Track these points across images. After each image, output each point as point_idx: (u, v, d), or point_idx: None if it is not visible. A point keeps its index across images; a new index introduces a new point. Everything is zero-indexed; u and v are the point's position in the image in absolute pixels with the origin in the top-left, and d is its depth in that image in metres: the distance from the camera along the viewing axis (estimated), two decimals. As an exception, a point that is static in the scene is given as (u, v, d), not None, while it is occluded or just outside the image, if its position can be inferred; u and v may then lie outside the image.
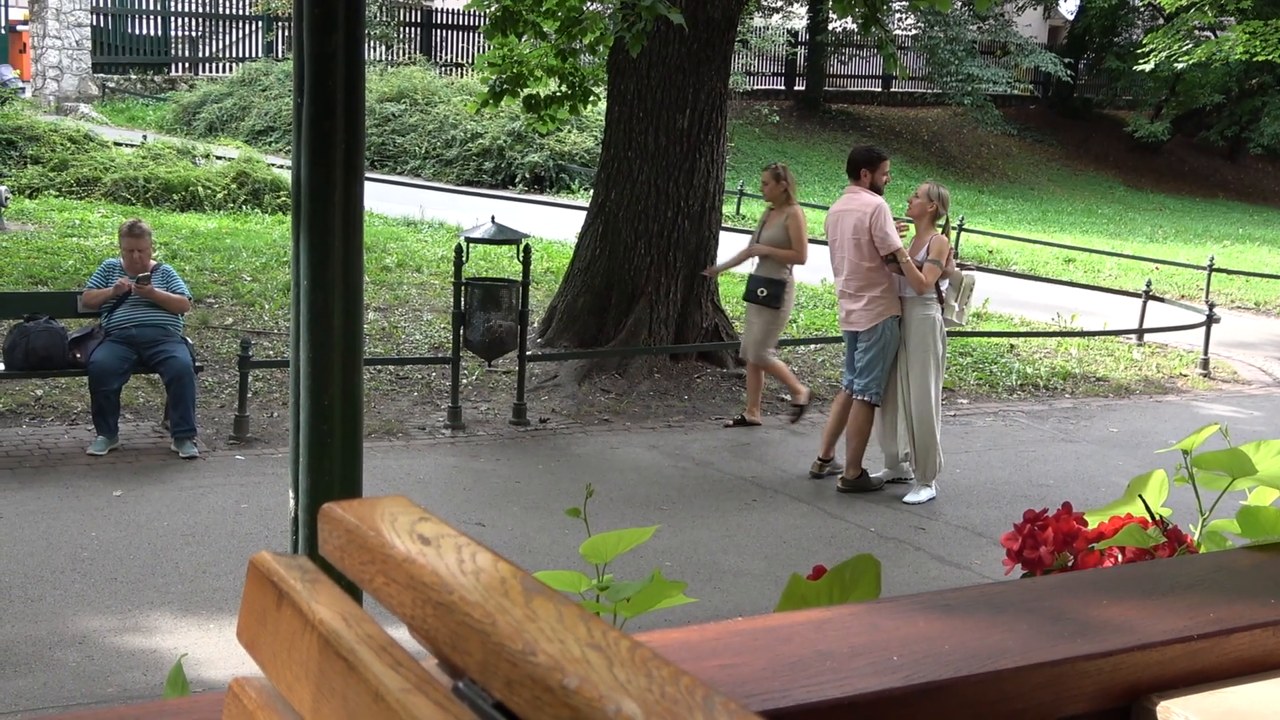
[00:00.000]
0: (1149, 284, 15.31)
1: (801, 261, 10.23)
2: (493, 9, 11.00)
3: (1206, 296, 16.39)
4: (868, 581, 1.34)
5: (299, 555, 0.89)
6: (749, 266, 10.58)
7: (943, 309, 8.71)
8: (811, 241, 10.50)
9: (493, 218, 10.42)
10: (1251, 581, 1.37)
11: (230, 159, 18.79)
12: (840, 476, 9.18)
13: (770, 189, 10.16)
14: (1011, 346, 13.80)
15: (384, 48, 28.51)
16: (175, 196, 17.12)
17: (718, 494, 8.83)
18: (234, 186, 17.40)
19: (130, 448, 8.96)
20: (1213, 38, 25.26)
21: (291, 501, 2.46)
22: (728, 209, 19.09)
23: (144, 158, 18.01)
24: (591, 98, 12.29)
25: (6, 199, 15.21)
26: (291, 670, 0.82)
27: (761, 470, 9.38)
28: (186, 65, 28.22)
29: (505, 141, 22.34)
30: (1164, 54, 23.86)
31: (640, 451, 9.67)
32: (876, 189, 9.01)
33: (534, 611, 0.72)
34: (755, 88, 30.34)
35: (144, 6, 27.96)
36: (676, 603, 1.58)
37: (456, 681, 0.76)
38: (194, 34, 28.45)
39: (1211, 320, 13.89)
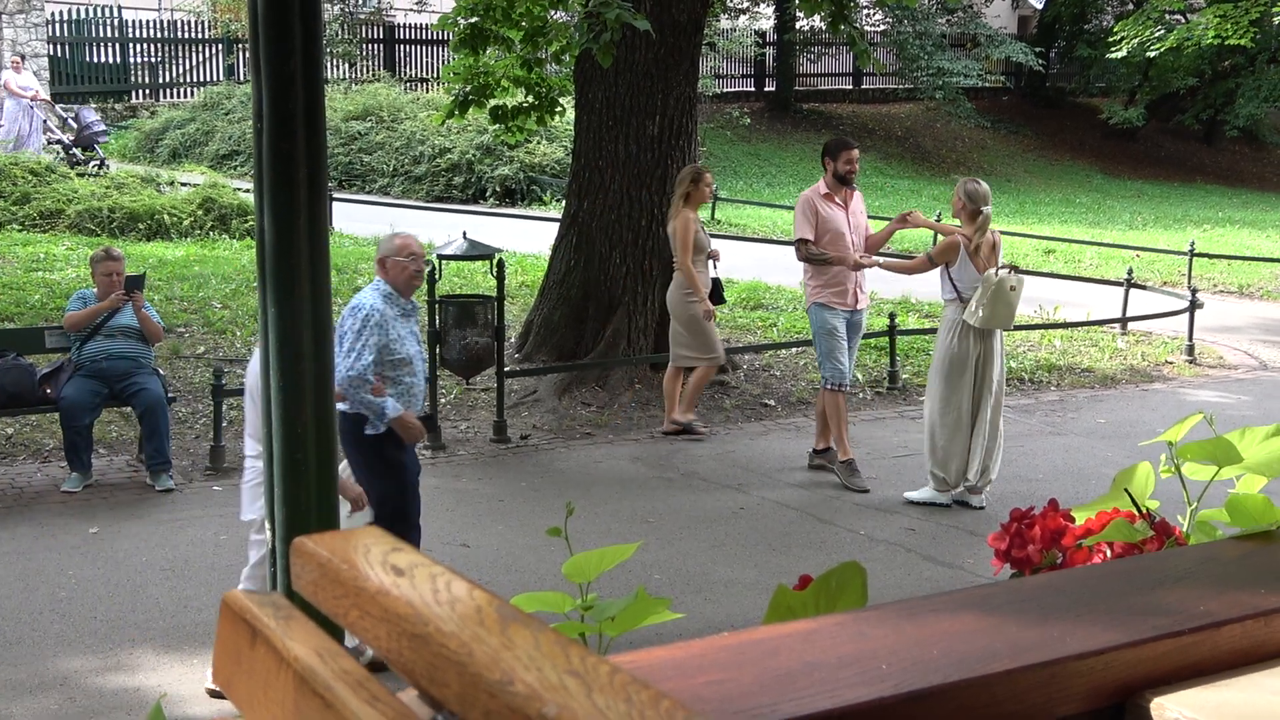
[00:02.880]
0: (1130, 272, 15.37)
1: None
2: (461, 27, 11.01)
3: (1189, 282, 16.47)
4: (854, 589, 1.33)
5: (272, 592, 0.89)
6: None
7: (964, 311, 8.76)
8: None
9: (464, 233, 10.41)
10: (1241, 571, 1.38)
11: (195, 185, 18.73)
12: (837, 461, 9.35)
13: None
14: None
15: (347, 65, 28.48)
16: (141, 225, 17.06)
17: (704, 504, 8.83)
18: (200, 213, 17.34)
19: (105, 483, 8.92)
20: (1184, 22, 25.41)
21: (268, 533, 2.45)
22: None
23: (107, 187, 17.94)
24: (558, 108, 12.30)
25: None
26: (269, 710, 0.82)
27: (748, 478, 9.38)
28: (147, 92, 28.14)
29: (474, 155, 22.33)
30: (1135, 41, 23.98)
31: (624, 464, 9.67)
32: (840, 178, 9.30)
33: (510, 640, 0.72)
34: (725, 90, 30.40)
35: (101, 34, 27.88)
36: (664, 618, 1.57)
37: (436, 714, 0.76)
38: (153, 60, 28.36)
39: (1195, 306, 13.95)
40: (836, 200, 9.31)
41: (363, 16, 29.75)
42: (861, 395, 11.75)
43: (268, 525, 2.47)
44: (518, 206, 21.84)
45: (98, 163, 20.57)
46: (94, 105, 24.61)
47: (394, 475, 6.54)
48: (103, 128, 22.46)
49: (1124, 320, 14.66)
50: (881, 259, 9.34)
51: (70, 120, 22.12)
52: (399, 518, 6.50)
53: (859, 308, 9.39)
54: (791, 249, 10.00)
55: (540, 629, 0.74)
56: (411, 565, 0.82)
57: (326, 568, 0.84)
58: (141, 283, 9.18)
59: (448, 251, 10.28)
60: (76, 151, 20.82)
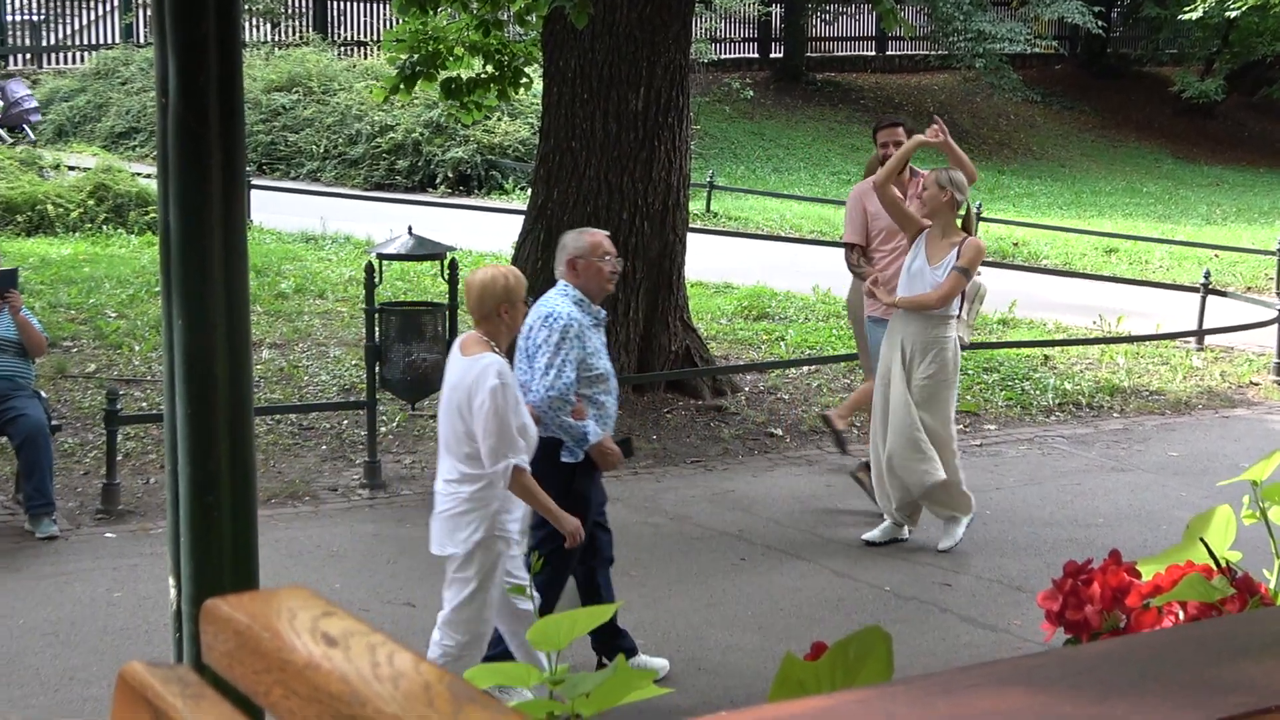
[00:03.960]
0: (1208, 275, 15.43)
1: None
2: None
3: (1278, 287, 16.53)
4: (877, 659, 1.34)
5: (179, 665, 0.89)
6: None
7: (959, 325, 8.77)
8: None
9: (410, 228, 10.42)
10: (1339, 638, 1.38)
11: (86, 169, 18.70)
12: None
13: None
14: (1046, 358, 13.88)
15: (269, 26, 28.49)
16: (19, 218, 17.01)
17: (698, 553, 8.82)
18: (91, 203, 17.31)
19: (-25, 529, 8.89)
20: (1271, -25, 25.53)
21: (173, 591, 2.45)
22: (696, 206, 19.14)
23: (-22, 172, 17.91)
24: (523, 79, 12.31)
25: None
26: (173, 807, 0.82)
27: (750, 523, 9.38)
28: (28, 56, 28.08)
29: (422, 135, 22.34)
30: (1213, -1, 24.10)
31: (601, 506, 9.66)
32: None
33: (465, 723, 0.72)
34: (723, 57, 30.46)
35: (-28, -14, 27.82)
36: (650, 694, 1.57)
37: (375, 812, 0.76)
38: (35, 17, 28.29)
39: (1285, 316, 14.02)
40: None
41: (288, -33, 29.78)
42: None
43: (171, 583, 2.46)
44: (474, 196, 21.84)
45: (29, 144, 20.39)
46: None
47: (583, 508, 6.81)
48: (34, 104, 22.22)
49: (1200, 333, 14.70)
50: (900, 296, 8.93)
51: None
52: (588, 553, 6.85)
53: None
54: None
55: (500, 711, 0.74)
56: (346, 633, 0.83)
57: (245, 636, 0.84)
58: (15, 278, 9.15)
59: (390, 250, 10.28)
60: (2, 133, 20.61)
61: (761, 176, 25.47)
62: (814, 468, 10.56)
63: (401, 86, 11.89)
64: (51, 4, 28.58)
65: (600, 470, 6.93)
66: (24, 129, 21.14)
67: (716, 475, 10.40)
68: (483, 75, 12.18)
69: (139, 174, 18.64)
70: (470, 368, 6.19)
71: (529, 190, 13.37)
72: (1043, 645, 1.68)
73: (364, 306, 10.20)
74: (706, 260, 16.00)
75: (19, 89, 21.84)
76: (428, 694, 0.76)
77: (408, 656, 0.80)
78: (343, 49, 27.93)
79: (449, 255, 10.33)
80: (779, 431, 11.41)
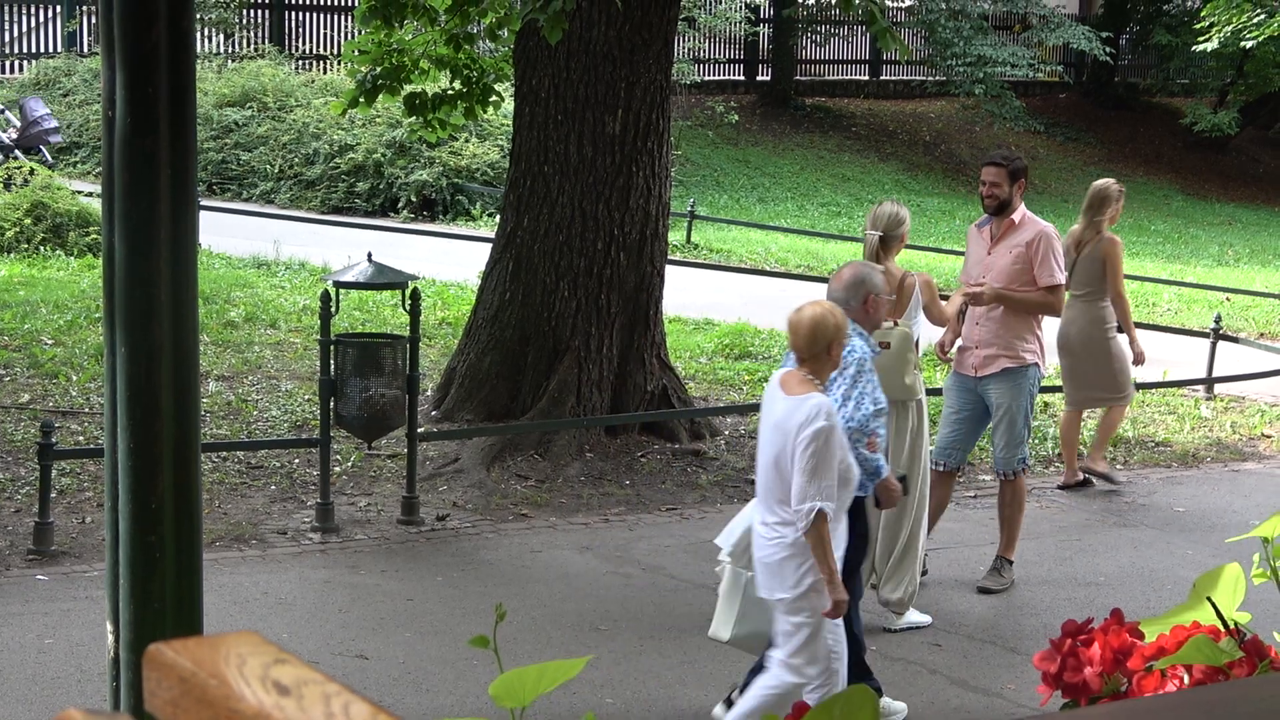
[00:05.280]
0: (1219, 319, 15.49)
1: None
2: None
3: (1292, 334, 16.61)
4: (863, 721, 1.35)
5: (119, 713, 0.89)
6: None
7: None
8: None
9: (369, 255, 10.42)
10: (1353, 705, 1.39)
11: (22, 186, 18.66)
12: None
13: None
14: (1045, 405, 13.90)
15: (222, 36, 28.48)
16: (-50, 237, 16.98)
17: (672, 608, 8.81)
18: (28, 221, 17.28)
19: (-105, 569, 8.85)
20: (1289, 4, 25.73)
21: (110, 637, 2.44)
22: (675, 236, 19.16)
23: (-93, 188, 17.88)
24: (493, 97, 12.32)
25: None
26: None
27: (728, 575, 9.37)
28: (-38, 64, 28.05)
29: (384, 155, 22.35)
30: (1228, 28, 24.24)
31: (570, 554, 9.64)
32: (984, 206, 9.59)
33: (426, 779, 0.72)
34: (707, 78, 30.55)
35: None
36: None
37: None
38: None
39: (1300, 364, 14.08)
40: (988, 233, 9.38)
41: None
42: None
43: (109, 628, 2.45)
44: (439, 221, 21.84)
45: (48, 164, 20.20)
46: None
47: (863, 547, 7.24)
48: (54, 124, 22.01)
49: (1210, 381, 14.75)
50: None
51: (10, 114, 21.79)
52: (854, 597, 7.03)
53: (983, 373, 9.30)
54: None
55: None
56: (299, 682, 0.83)
57: (190, 684, 0.84)
58: None
59: (348, 278, 10.28)
60: (19, 154, 20.47)
61: (746, 206, 25.51)
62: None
63: (362, 100, 11.88)
64: (-11, 9, 28.57)
65: (887, 506, 7.39)
66: (41, 150, 21.00)
67: (693, 524, 10.39)
68: (450, 91, 12.19)
69: (80, 192, 18.60)
70: (797, 408, 6.42)
71: (498, 217, 13.37)
72: (1039, 710, 1.69)
73: (319, 338, 10.18)
74: (686, 295, 16.03)
75: (38, 107, 21.63)
76: (386, 747, 0.76)
77: (364, 708, 0.81)
78: (300, 63, 27.94)
79: (411, 284, 10.32)
80: (760, 478, 11.40)
